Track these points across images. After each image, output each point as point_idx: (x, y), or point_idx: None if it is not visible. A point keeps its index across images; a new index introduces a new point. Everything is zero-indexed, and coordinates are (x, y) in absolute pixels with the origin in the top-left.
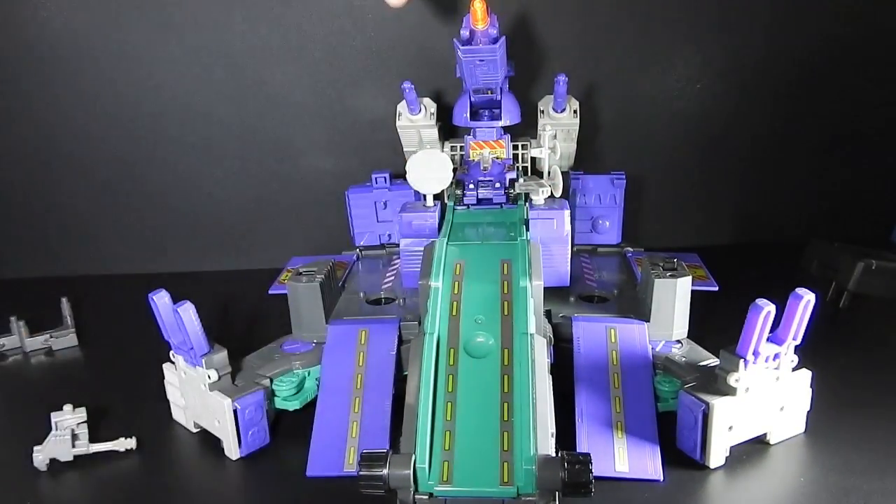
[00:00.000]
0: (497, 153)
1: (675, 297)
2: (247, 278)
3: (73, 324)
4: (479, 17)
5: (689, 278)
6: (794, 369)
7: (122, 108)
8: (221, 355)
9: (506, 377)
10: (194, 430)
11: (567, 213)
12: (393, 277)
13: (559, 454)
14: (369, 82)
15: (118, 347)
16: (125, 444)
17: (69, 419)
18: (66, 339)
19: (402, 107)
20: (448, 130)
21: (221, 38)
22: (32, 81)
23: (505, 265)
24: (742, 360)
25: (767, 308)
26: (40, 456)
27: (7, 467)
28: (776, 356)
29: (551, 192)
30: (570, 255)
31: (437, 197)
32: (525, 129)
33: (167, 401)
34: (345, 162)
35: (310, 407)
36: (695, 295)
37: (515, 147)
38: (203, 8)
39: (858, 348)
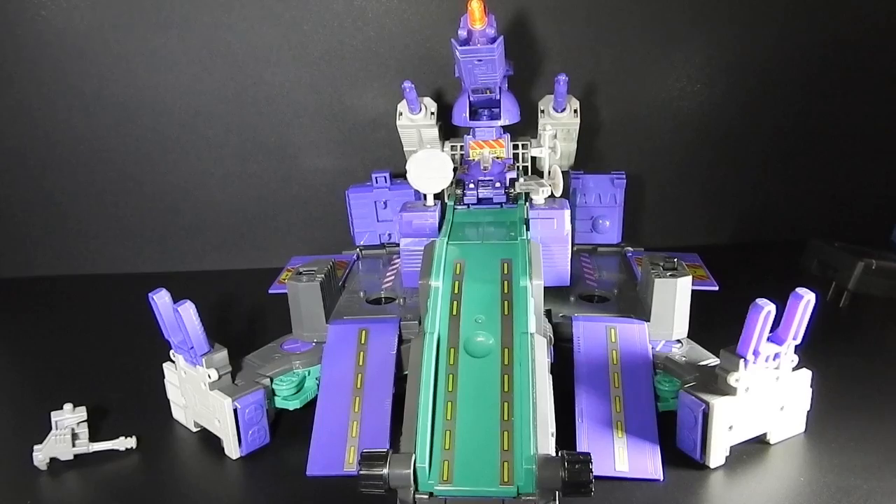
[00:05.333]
0: (497, 153)
1: (675, 296)
2: (247, 278)
3: None
4: (476, 17)
5: (689, 278)
6: (794, 369)
7: (122, 108)
8: (221, 354)
9: (506, 377)
10: (194, 430)
11: (567, 212)
12: (393, 277)
13: (559, 454)
14: (369, 82)
15: (118, 347)
16: (125, 443)
17: (69, 418)
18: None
19: (402, 106)
20: (448, 130)
21: (221, 38)
22: (32, 81)
23: (505, 265)
24: (742, 360)
25: (767, 308)
26: (40, 455)
27: (7, 467)
28: (776, 356)
29: (551, 192)
30: (570, 255)
31: (437, 196)
32: (525, 129)
33: (167, 400)
34: (345, 162)
35: (310, 406)
36: (695, 295)
37: (515, 147)
38: (203, 8)
39: (858, 348)
